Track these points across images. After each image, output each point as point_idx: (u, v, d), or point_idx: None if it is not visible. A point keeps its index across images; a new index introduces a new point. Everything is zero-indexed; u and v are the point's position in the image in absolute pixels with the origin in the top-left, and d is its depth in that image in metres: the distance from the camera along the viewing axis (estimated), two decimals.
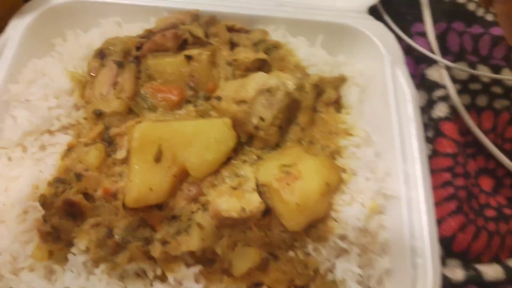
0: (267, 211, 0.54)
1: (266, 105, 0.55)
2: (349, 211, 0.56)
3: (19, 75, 0.61)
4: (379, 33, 0.70)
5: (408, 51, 0.78)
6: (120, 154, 0.54)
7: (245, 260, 0.53)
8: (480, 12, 0.84)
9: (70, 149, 0.54)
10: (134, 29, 0.68)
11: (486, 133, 0.74)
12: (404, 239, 0.56)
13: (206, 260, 0.53)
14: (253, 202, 0.51)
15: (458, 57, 0.78)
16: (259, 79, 0.55)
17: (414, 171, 0.60)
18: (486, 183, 0.71)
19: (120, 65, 0.59)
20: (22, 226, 0.52)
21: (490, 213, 0.67)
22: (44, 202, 0.50)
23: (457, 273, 0.60)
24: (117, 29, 0.68)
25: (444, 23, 0.81)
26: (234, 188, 0.53)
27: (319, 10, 0.71)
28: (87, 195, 0.52)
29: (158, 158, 0.51)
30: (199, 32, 0.63)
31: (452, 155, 0.67)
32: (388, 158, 0.62)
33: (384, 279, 0.57)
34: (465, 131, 0.73)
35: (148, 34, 0.62)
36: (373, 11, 0.76)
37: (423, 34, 0.79)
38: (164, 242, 0.50)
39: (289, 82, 0.57)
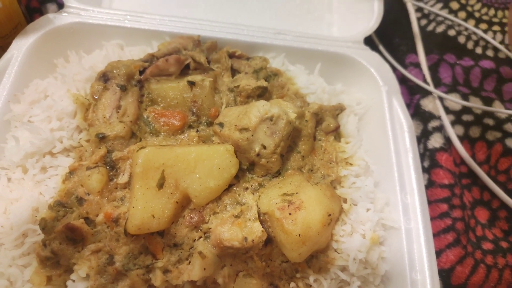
0: (269, 241, 0.54)
1: (269, 133, 0.55)
2: (350, 242, 0.56)
3: (21, 95, 0.60)
4: (375, 63, 0.72)
5: (402, 81, 0.81)
6: (123, 179, 0.53)
7: None
8: (470, 44, 0.87)
9: (72, 172, 0.53)
10: (136, 52, 0.69)
11: (480, 164, 0.75)
12: (404, 271, 0.57)
13: None
14: (255, 232, 0.51)
15: (450, 88, 0.80)
16: (261, 107, 0.55)
17: (412, 202, 0.61)
18: (482, 214, 0.72)
19: (123, 88, 0.59)
20: (21, 250, 0.51)
21: (487, 245, 0.67)
22: (45, 226, 0.49)
23: None
24: (119, 51, 0.68)
25: (436, 55, 0.84)
26: (236, 217, 0.52)
27: (317, 39, 0.73)
28: (88, 220, 0.51)
29: (161, 184, 0.51)
30: (201, 58, 0.63)
31: (449, 186, 0.68)
32: (387, 188, 0.63)
33: None
34: (459, 162, 0.75)
35: (151, 58, 0.63)
36: (368, 42, 0.78)
37: (416, 65, 0.81)
38: (165, 271, 0.50)
39: (290, 111, 0.58)
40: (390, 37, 0.85)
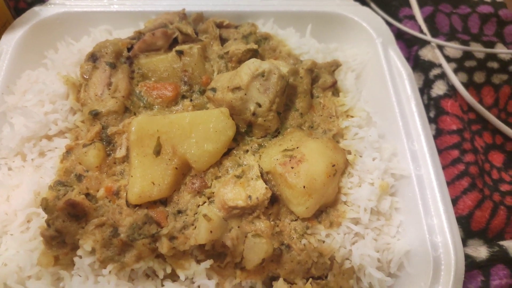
0: (275, 200, 0.52)
1: (262, 90, 0.54)
2: (359, 192, 0.54)
3: (14, 87, 0.60)
4: (366, 17, 0.71)
5: (398, 35, 0.78)
6: (120, 153, 0.53)
7: (257, 251, 0.51)
8: None
9: (68, 151, 0.53)
10: (124, 34, 0.68)
11: (488, 108, 0.73)
12: (419, 218, 0.54)
13: (217, 254, 0.51)
14: (259, 189, 0.49)
15: (449, 37, 0.78)
16: (251, 64, 0.54)
17: (420, 148, 0.59)
18: (497, 158, 0.70)
19: (113, 66, 0.58)
20: (27, 235, 0.50)
21: (505, 187, 0.65)
22: (46, 206, 0.48)
23: (481, 252, 0.57)
24: (107, 36, 0.68)
25: (431, 6, 0.82)
26: (238, 177, 0.51)
27: (304, 0, 0.72)
28: (89, 196, 0.50)
29: (157, 151, 0.50)
30: (188, 29, 0.63)
31: (458, 131, 0.66)
32: (392, 138, 0.61)
33: (404, 262, 0.55)
34: (466, 109, 0.73)
35: (138, 35, 0.62)
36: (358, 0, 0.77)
37: (411, 17, 0.79)
38: (171, 238, 0.49)
39: (282, 66, 0.57)
40: None
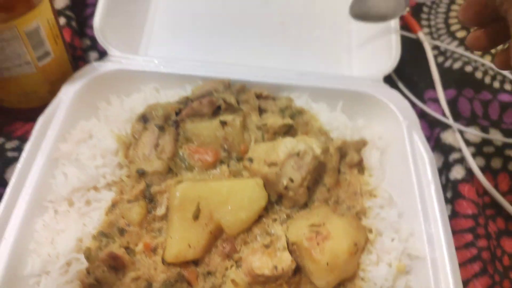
0: (298, 269, 0.56)
1: (295, 167, 0.59)
2: (376, 271, 0.58)
3: (68, 135, 0.66)
4: (394, 100, 0.76)
5: (421, 115, 0.84)
6: (160, 211, 0.58)
7: None
8: (488, 79, 0.90)
9: (114, 204, 0.58)
10: (171, 94, 0.75)
11: (503, 195, 0.76)
12: None
13: None
14: (285, 261, 0.54)
15: (470, 121, 0.83)
16: (288, 143, 0.59)
17: (437, 232, 0.62)
18: (508, 244, 0.72)
19: (161, 128, 0.64)
20: (65, 277, 0.55)
21: None
22: (89, 255, 0.53)
23: None
24: (155, 94, 0.74)
25: (454, 90, 0.88)
26: (267, 246, 0.55)
27: (337, 79, 0.78)
28: (128, 249, 0.55)
29: (196, 216, 0.54)
30: (232, 99, 0.69)
31: (473, 216, 0.70)
32: (411, 219, 0.65)
33: None
34: (482, 193, 0.76)
35: (186, 101, 0.68)
36: (388, 80, 0.82)
37: (435, 100, 0.85)
38: None
39: (316, 146, 0.62)
40: (409, 75, 0.89)
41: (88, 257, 0.53)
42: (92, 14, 0.95)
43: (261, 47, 0.87)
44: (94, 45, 0.91)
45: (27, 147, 0.63)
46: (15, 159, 0.71)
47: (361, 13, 0.81)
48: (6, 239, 0.55)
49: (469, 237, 0.68)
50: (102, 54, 0.89)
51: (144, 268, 0.54)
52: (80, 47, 0.87)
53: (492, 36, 0.56)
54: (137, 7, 0.88)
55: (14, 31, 0.62)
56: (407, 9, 1.00)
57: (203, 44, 0.87)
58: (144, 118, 0.65)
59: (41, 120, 0.66)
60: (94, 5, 0.97)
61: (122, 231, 0.56)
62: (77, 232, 0.57)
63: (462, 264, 0.66)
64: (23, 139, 0.75)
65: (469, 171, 0.76)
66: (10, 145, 0.74)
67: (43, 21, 0.66)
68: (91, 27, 0.91)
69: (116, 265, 0.53)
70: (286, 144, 0.60)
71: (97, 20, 0.77)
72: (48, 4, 0.67)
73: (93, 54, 0.89)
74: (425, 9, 1.05)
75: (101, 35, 0.76)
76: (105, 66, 0.74)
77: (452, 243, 0.62)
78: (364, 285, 0.57)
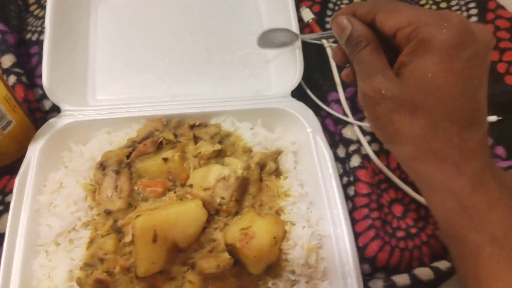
0: (237, 262, 0.77)
1: (224, 188, 0.78)
2: (293, 253, 0.79)
3: (43, 188, 0.82)
4: (301, 111, 0.94)
5: (328, 114, 1.04)
6: (128, 238, 0.76)
7: None
8: None
9: (92, 241, 0.76)
10: (121, 135, 0.90)
11: (393, 171, 0.99)
12: (337, 266, 0.79)
13: None
14: (225, 259, 0.74)
15: None
16: (216, 171, 0.78)
17: (338, 214, 0.84)
18: (397, 209, 0.95)
19: (117, 172, 0.81)
20: None
21: (400, 234, 0.91)
22: (80, 282, 0.72)
23: (378, 284, 0.83)
24: (108, 137, 0.90)
25: (353, 87, 1.07)
26: (210, 251, 0.76)
27: (256, 100, 0.96)
28: (109, 272, 0.74)
29: (155, 240, 0.73)
30: (170, 136, 0.86)
31: (367, 194, 0.91)
32: (319, 206, 0.86)
33: None
34: (377, 172, 0.99)
35: (133, 144, 0.85)
36: (299, 89, 1.01)
37: (337, 101, 1.04)
38: None
39: (238, 167, 0.81)
40: (315, 80, 1.07)
41: (80, 284, 0.72)
42: (38, 63, 1.07)
43: (190, 76, 1.03)
44: (46, 93, 1.04)
45: (12, 203, 0.79)
46: (1, 212, 0.87)
47: (266, 44, 0.98)
48: (13, 282, 0.73)
49: (365, 211, 0.90)
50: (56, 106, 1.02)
51: (123, 284, 0.73)
52: (34, 99, 1.00)
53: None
54: (77, 57, 1.01)
55: None
56: (312, 16, 1.17)
57: (140, 79, 1.01)
58: (102, 166, 0.82)
59: (18, 179, 0.82)
60: (38, 54, 1.09)
61: (101, 260, 0.74)
62: (67, 266, 0.75)
63: (363, 231, 0.89)
64: (4, 192, 0.90)
65: (367, 156, 0.98)
66: None
67: (0, 99, 0.80)
68: (39, 77, 1.04)
69: (102, 287, 0.72)
70: (214, 172, 0.79)
71: (45, 81, 0.90)
72: (1, 83, 0.80)
73: (47, 103, 1.01)
74: (329, 12, 1.22)
75: (52, 94, 0.90)
76: (60, 122, 0.89)
77: (349, 221, 0.83)
78: (286, 264, 0.79)
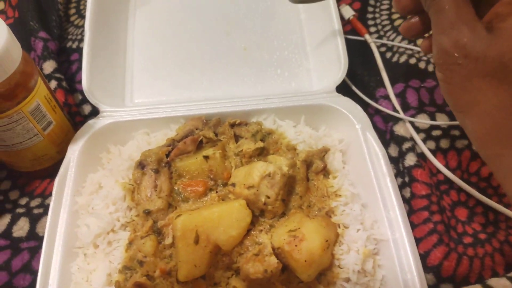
0: (285, 268, 0.70)
1: (269, 186, 0.72)
2: (348, 258, 0.71)
3: (82, 189, 0.80)
4: (347, 106, 0.88)
5: (377, 112, 0.97)
6: (168, 240, 0.71)
7: None
8: (430, 67, 1.02)
9: (130, 242, 0.72)
10: (159, 136, 0.87)
11: (453, 170, 0.90)
12: (397, 275, 0.71)
13: None
14: (272, 264, 0.67)
15: (418, 110, 0.96)
16: (260, 167, 0.73)
17: (395, 216, 0.76)
18: (462, 213, 0.85)
19: (156, 171, 0.77)
20: None
21: (467, 239, 0.81)
22: (119, 286, 0.67)
23: None
24: (146, 138, 0.87)
25: (402, 84, 1.00)
26: (256, 255, 0.69)
27: (298, 96, 0.90)
28: (149, 276, 0.69)
29: (196, 241, 0.68)
30: (210, 134, 0.82)
31: (426, 196, 0.83)
32: (374, 208, 0.78)
33: None
34: (435, 172, 0.90)
35: (173, 142, 0.81)
36: (344, 85, 0.95)
37: (386, 97, 0.97)
38: None
39: (283, 164, 0.75)
40: (361, 76, 1.01)
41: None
42: (78, 70, 1.08)
43: (229, 76, 1.00)
44: (85, 98, 1.03)
45: (51, 204, 0.77)
46: (41, 215, 0.85)
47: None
48: (51, 285, 0.69)
49: (425, 214, 0.82)
50: (94, 106, 1.02)
51: None
52: (74, 103, 1.00)
53: (421, 23, 0.63)
54: (115, 60, 1.00)
55: (20, 113, 0.75)
56: (353, 12, 1.12)
57: (178, 81, 0.99)
58: (141, 165, 0.78)
59: (57, 180, 0.79)
60: (78, 60, 1.10)
61: (141, 263, 0.70)
62: (106, 269, 0.71)
63: (424, 237, 0.80)
64: (44, 195, 0.89)
65: (421, 155, 0.90)
66: (34, 203, 0.88)
67: (41, 98, 0.78)
68: (79, 82, 1.04)
69: None
70: (258, 169, 0.73)
71: (85, 83, 0.89)
72: (42, 83, 0.79)
73: (86, 107, 1.01)
74: (370, 8, 1.17)
75: (91, 95, 0.89)
76: (99, 123, 0.87)
77: (408, 224, 0.75)
78: (340, 271, 0.72)
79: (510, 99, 0.50)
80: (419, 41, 1.07)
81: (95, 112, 1.01)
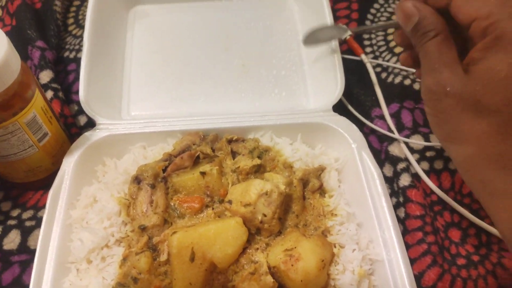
0: (281, 287, 0.70)
1: (266, 204, 0.72)
2: (343, 278, 0.71)
3: (76, 202, 0.79)
4: (344, 126, 0.89)
5: (372, 131, 0.98)
6: (163, 257, 0.70)
7: None
8: None
9: (125, 258, 0.71)
10: (156, 150, 0.87)
11: (446, 191, 0.91)
12: None
13: None
14: (268, 283, 0.67)
15: (412, 131, 0.97)
16: (257, 185, 0.73)
17: (390, 236, 0.76)
18: (455, 234, 0.86)
19: (153, 186, 0.77)
20: None
21: (461, 261, 0.81)
22: None
23: None
24: (143, 152, 0.87)
25: (397, 104, 1.02)
26: (252, 273, 0.69)
27: (294, 114, 0.91)
28: None
29: (192, 258, 0.68)
30: (208, 150, 0.82)
31: (420, 216, 0.84)
32: (369, 228, 0.78)
33: None
34: (429, 192, 0.91)
35: (170, 157, 0.81)
36: (340, 104, 0.96)
37: (381, 117, 0.98)
38: None
39: (280, 183, 0.75)
40: (357, 95, 1.02)
41: None
42: (74, 80, 1.07)
43: (226, 92, 1.00)
44: (81, 109, 1.02)
45: (45, 217, 0.75)
46: (33, 228, 0.84)
47: (312, 42, 0.93)
48: None
49: (419, 234, 0.82)
50: (90, 118, 1.01)
51: None
52: (70, 114, 0.99)
53: (416, 57, 0.68)
54: (113, 72, 1.00)
55: (16, 124, 0.74)
56: (349, 32, 1.14)
57: (175, 95, 0.99)
58: (137, 180, 0.78)
59: (51, 192, 0.78)
60: (75, 70, 1.09)
61: (135, 280, 0.69)
62: (99, 285, 0.69)
63: (418, 258, 0.80)
64: (37, 207, 0.88)
65: (415, 176, 0.91)
66: (26, 215, 0.86)
67: (38, 109, 0.78)
68: (75, 93, 1.03)
69: None
70: (255, 186, 0.73)
71: (82, 94, 0.88)
72: (39, 94, 0.78)
73: (82, 118, 1.01)
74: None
75: (88, 107, 0.88)
76: (96, 135, 0.86)
77: (403, 245, 0.75)
78: None
79: (488, 129, 0.56)
80: None
81: (90, 123, 1.00)
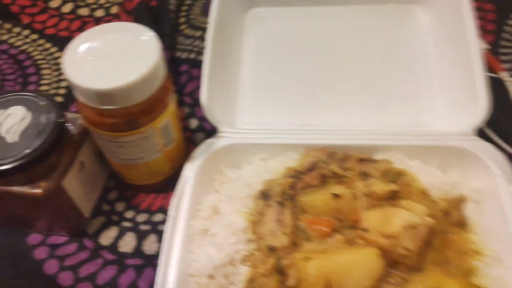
0: None
1: (411, 238, 0.65)
2: None
3: (197, 212, 0.76)
4: (488, 153, 0.79)
5: None
6: (291, 282, 0.66)
7: None
8: None
9: (252, 279, 0.67)
10: (276, 163, 0.83)
11: None
12: None
13: None
14: None
15: None
16: (403, 216, 0.66)
17: None
18: None
19: (281, 204, 0.72)
20: None
21: None
22: None
23: None
24: (264, 164, 0.83)
25: None
26: None
27: (429, 135, 0.83)
28: None
29: None
30: (337, 169, 0.76)
31: None
32: None
33: None
34: None
35: (297, 174, 0.76)
36: (482, 133, 0.85)
37: None
38: None
39: (424, 214, 0.67)
40: (495, 119, 0.91)
41: None
42: (187, 82, 1.06)
43: (346, 105, 0.94)
44: (193, 112, 1.01)
45: (168, 226, 0.73)
46: (147, 232, 0.83)
47: None
48: None
49: None
50: (201, 120, 0.99)
51: None
52: (181, 117, 0.98)
53: None
54: (231, 77, 0.97)
55: (153, 129, 0.73)
56: (485, 46, 1.02)
57: (293, 106, 0.95)
58: (264, 195, 0.74)
59: (175, 200, 0.76)
60: (187, 72, 1.08)
61: None
62: None
63: None
64: (150, 211, 0.87)
65: None
66: (141, 218, 0.85)
67: (172, 114, 0.76)
68: (187, 95, 1.02)
69: None
70: (400, 217, 0.66)
71: (205, 100, 0.86)
72: (173, 99, 0.77)
73: (192, 121, 0.99)
74: (503, 42, 1.07)
75: (210, 114, 0.86)
76: (217, 143, 0.83)
77: None
78: None
79: None
80: None
81: (201, 127, 0.99)
